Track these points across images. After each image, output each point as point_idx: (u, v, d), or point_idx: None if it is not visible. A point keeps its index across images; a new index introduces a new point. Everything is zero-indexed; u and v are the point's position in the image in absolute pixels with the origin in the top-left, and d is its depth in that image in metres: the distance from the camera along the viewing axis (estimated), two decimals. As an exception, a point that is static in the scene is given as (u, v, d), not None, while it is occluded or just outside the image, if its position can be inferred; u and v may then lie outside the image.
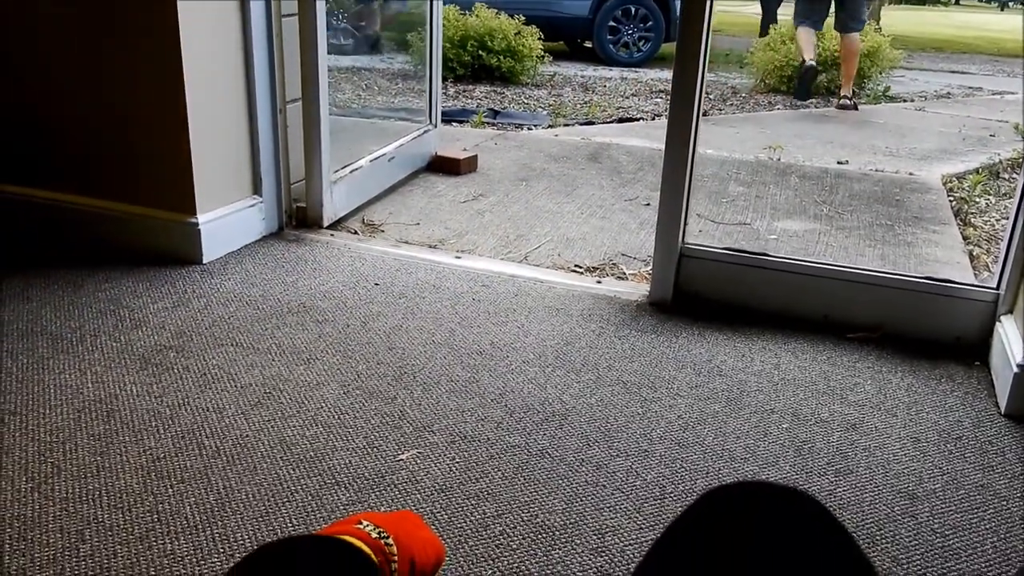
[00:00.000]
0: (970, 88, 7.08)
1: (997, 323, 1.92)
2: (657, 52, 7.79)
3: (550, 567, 1.25)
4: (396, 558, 0.84)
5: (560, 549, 1.28)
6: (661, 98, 5.83)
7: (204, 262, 2.25)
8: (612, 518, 1.36)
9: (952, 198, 3.41)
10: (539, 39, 6.26)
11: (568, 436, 1.57)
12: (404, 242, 2.54)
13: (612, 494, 1.41)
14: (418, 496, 1.39)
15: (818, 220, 3.00)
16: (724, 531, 0.60)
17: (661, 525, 1.34)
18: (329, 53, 2.42)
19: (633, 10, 7.65)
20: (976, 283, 2.04)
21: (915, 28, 12.10)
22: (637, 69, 7.45)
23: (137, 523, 1.29)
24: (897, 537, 1.35)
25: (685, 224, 2.12)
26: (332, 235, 2.52)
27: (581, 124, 4.78)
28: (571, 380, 1.77)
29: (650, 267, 2.25)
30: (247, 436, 1.52)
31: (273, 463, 1.45)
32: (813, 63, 5.68)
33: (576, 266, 2.43)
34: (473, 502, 1.38)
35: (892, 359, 1.93)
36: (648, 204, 3.05)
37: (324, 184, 2.51)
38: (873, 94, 6.12)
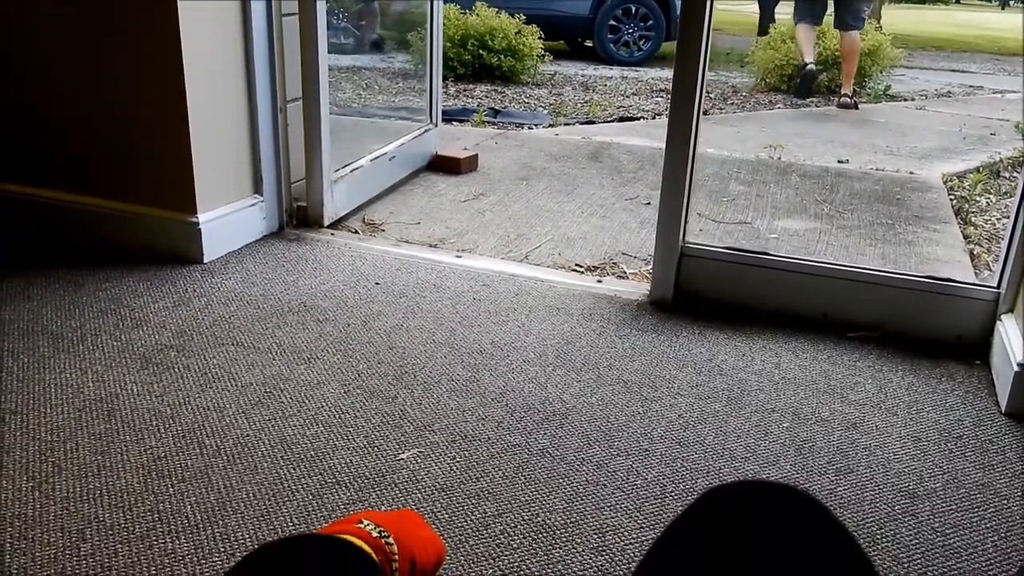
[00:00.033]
0: (971, 87, 7.07)
1: (998, 322, 1.92)
2: (657, 51, 7.79)
3: (551, 566, 1.25)
4: (397, 557, 0.84)
5: (561, 548, 1.28)
6: (662, 97, 5.83)
7: (205, 261, 2.25)
8: (613, 517, 1.36)
9: (953, 197, 3.40)
10: (539, 38, 6.26)
11: (569, 435, 1.57)
12: (405, 241, 2.54)
13: (613, 493, 1.41)
14: (419, 495, 1.39)
15: (819, 219, 3.00)
16: (725, 530, 0.60)
17: (662, 524, 1.34)
18: (329, 52, 2.42)
19: (633, 9, 7.65)
20: (977, 282, 2.04)
21: (916, 27, 12.09)
22: (637, 68, 7.45)
23: (138, 522, 1.29)
24: (898, 536, 1.35)
25: (686, 223, 2.12)
26: (333, 234, 2.52)
27: (582, 123, 4.78)
28: (572, 379, 1.77)
29: (651, 266, 2.25)
30: (248, 435, 1.52)
31: (274, 462, 1.45)
32: (812, 66, 5.69)
33: (577, 265, 2.43)
34: (474, 501, 1.38)
35: (893, 358, 1.93)
36: (649, 203, 3.05)
37: (325, 183, 2.51)
38: (874, 93, 6.11)
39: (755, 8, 9.32)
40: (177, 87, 2.09)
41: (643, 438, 1.57)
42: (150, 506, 1.33)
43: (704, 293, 2.15)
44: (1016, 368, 1.69)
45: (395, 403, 1.65)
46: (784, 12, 6.68)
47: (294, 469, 1.43)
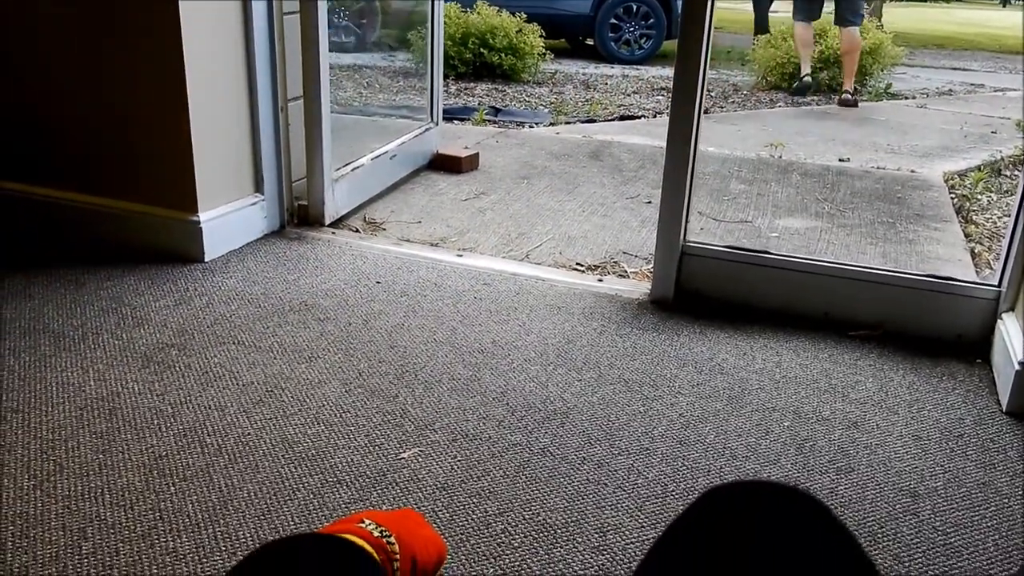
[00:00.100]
0: (972, 85, 7.07)
1: (999, 321, 1.92)
2: (659, 50, 7.79)
3: (552, 565, 1.25)
4: (398, 556, 0.84)
5: (562, 547, 1.28)
6: (662, 96, 5.83)
7: (206, 260, 2.25)
8: (614, 516, 1.36)
9: (954, 195, 3.40)
10: (540, 37, 6.26)
11: (570, 434, 1.57)
12: (406, 240, 2.54)
13: (614, 492, 1.41)
14: (420, 494, 1.39)
15: (819, 218, 3.00)
16: (725, 530, 0.60)
17: (663, 523, 1.34)
18: (331, 51, 2.42)
19: (635, 7, 7.65)
20: (978, 281, 2.04)
21: (917, 25, 12.08)
22: (638, 67, 7.44)
23: (139, 521, 1.29)
24: (899, 535, 1.35)
25: (686, 222, 2.12)
26: (334, 233, 2.52)
27: (582, 122, 4.78)
28: (572, 378, 1.77)
29: (651, 265, 2.25)
30: (249, 434, 1.52)
31: (275, 461, 1.45)
32: (808, 78, 5.79)
33: (577, 264, 2.43)
34: (475, 500, 1.38)
35: (894, 357, 1.93)
36: (649, 202, 3.05)
37: (326, 182, 2.51)
38: (875, 91, 6.11)
39: (757, 7, 9.30)
40: (178, 86, 2.09)
41: (644, 437, 1.57)
42: (151, 505, 1.33)
43: (705, 292, 2.15)
44: (1017, 367, 1.69)
45: (396, 402, 1.65)
46: (785, 11, 6.67)
47: (295, 468, 1.44)
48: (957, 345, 1.98)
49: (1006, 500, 1.45)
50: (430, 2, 3.14)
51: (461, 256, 2.42)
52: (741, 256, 2.12)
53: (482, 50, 6.05)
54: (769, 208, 3.10)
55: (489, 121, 4.62)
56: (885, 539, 1.34)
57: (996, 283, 1.95)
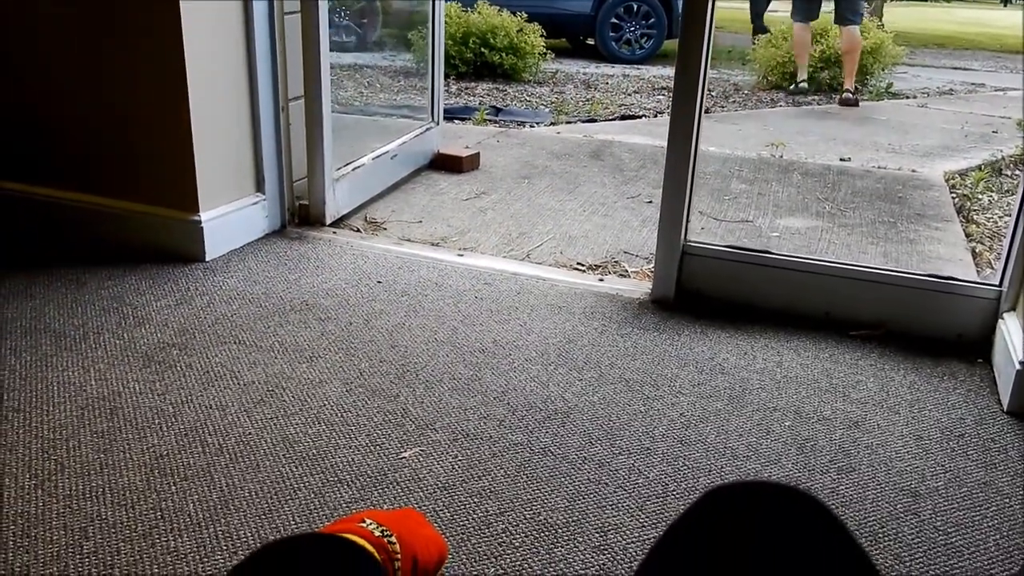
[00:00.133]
0: (973, 84, 7.06)
1: (1000, 320, 1.92)
2: (659, 49, 7.79)
3: (552, 565, 1.25)
4: (399, 556, 0.84)
5: (562, 547, 1.28)
6: (663, 95, 5.83)
7: (207, 260, 2.25)
8: (614, 516, 1.36)
9: (955, 195, 3.40)
10: (541, 36, 6.26)
11: (570, 434, 1.57)
12: (406, 240, 2.54)
13: (614, 492, 1.41)
14: (421, 494, 1.39)
15: (820, 217, 3.00)
16: (726, 530, 0.60)
17: (663, 523, 1.34)
18: (331, 50, 2.42)
19: (635, 7, 7.65)
20: (979, 280, 2.04)
21: (917, 24, 12.07)
22: (639, 66, 7.44)
23: (140, 520, 1.29)
24: (900, 535, 1.35)
25: (687, 222, 2.12)
26: (334, 233, 2.53)
27: (583, 121, 4.78)
28: (573, 378, 1.77)
29: (652, 265, 2.25)
30: (250, 434, 1.53)
31: (276, 461, 1.45)
32: (805, 84, 5.86)
33: (578, 264, 2.43)
34: (475, 500, 1.38)
35: (894, 356, 1.93)
36: (650, 202, 3.05)
37: (326, 182, 2.51)
38: (876, 90, 6.11)
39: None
40: (179, 86, 2.10)
41: (645, 437, 1.57)
42: (153, 504, 1.33)
43: (706, 292, 2.15)
44: (1018, 367, 1.69)
45: (397, 402, 1.65)
46: (783, 10, 6.68)
47: (296, 467, 1.44)
48: (958, 345, 1.98)
49: (1007, 500, 1.45)
50: (431, 1, 3.14)
51: (462, 256, 2.42)
52: (742, 256, 2.12)
53: (483, 49, 6.05)
54: (770, 208, 3.10)
55: (490, 121, 4.62)
56: (886, 539, 1.34)
57: (997, 283, 1.95)
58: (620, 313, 2.09)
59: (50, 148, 2.34)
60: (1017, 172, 3.87)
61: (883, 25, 7.05)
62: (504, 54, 6.04)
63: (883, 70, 6.25)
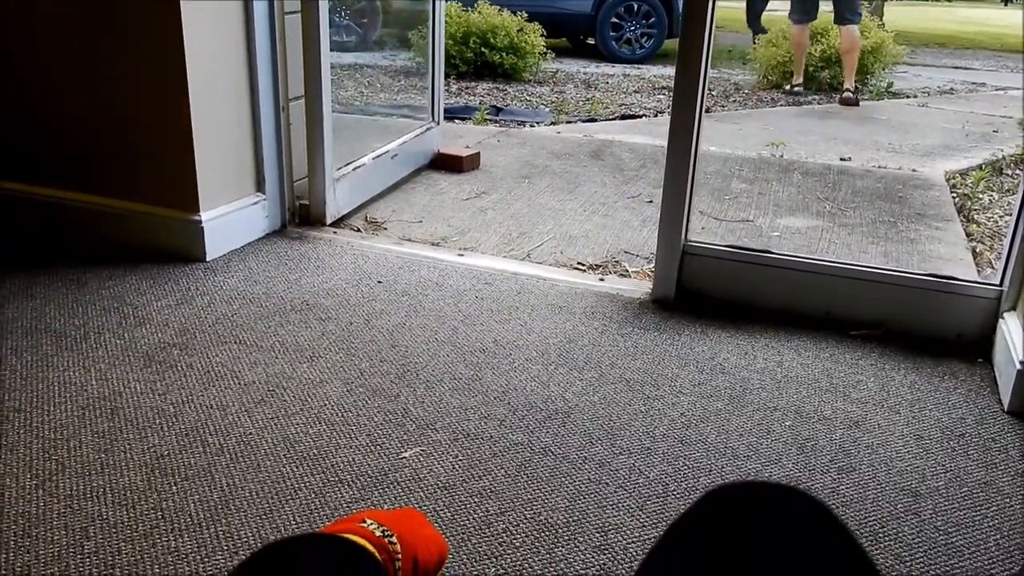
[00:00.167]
0: (973, 84, 7.06)
1: (1000, 320, 1.92)
2: (660, 49, 7.79)
3: (553, 565, 1.25)
4: (400, 556, 0.84)
5: (563, 547, 1.29)
6: (664, 95, 5.83)
7: (207, 260, 2.25)
8: (615, 516, 1.36)
9: (955, 194, 3.40)
10: (542, 36, 6.26)
11: (571, 434, 1.57)
12: (407, 240, 2.54)
13: (615, 492, 1.42)
14: (421, 494, 1.39)
15: (821, 217, 3.00)
16: (726, 530, 0.60)
17: (664, 523, 1.34)
18: (332, 50, 2.43)
19: (636, 7, 7.65)
20: (979, 280, 2.04)
21: (918, 24, 12.07)
22: (640, 66, 7.44)
23: (141, 520, 1.29)
24: (900, 534, 1.35)
25: (688, 221, 2.12)
26: (335, 232, 2.53)
27: (584, 121, 4.78)
28: (574, 378, 1.77)
29: (653, 264, 2.25)
30: (250, 434, 1.53)
31: (276, 461, 1.45)
32: (800, 88, 5.89)
33: (579, 263, 2.43)
34: (476, 500, 1.38)
35: (895, 356, 1.93)
36: (651, 201, 3.05)
37: (327, 181, 2.51)
38: (876, 90, 6.11)
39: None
40: (179, 86, 2.10)
41: (645, 436, 1.58)
42: (153, 504, 1.33)
43: (706, 291, 2.15)
44: (1019, 366, 1.69)
45: (397, 401, 1.65)
46: (781, 9, 6.68)
47: (297, 467, 1.44)
48: (958, 344, 1.98)
49: (1007, 500, 1.45)
50: (431, 1, 3.14)
51: (462, 255, 2.42)
52: (742, 255, 2.12)
53: (483, 49, 6.05)
54: (770, 207, 3.10)
55: (490, 120, 4.62)
56: (887, 539, 1.34)
57: (998, 282, 1.95)
58: (621, 313, 2.09)
59: (50, 148, 2.34)
60: (1018, 171, 3.87)
61: (884, 24, 7.05)
62: (504, 54, 6.04)
63: (884, 69, 6.25)
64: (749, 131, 4.59)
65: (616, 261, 2.46)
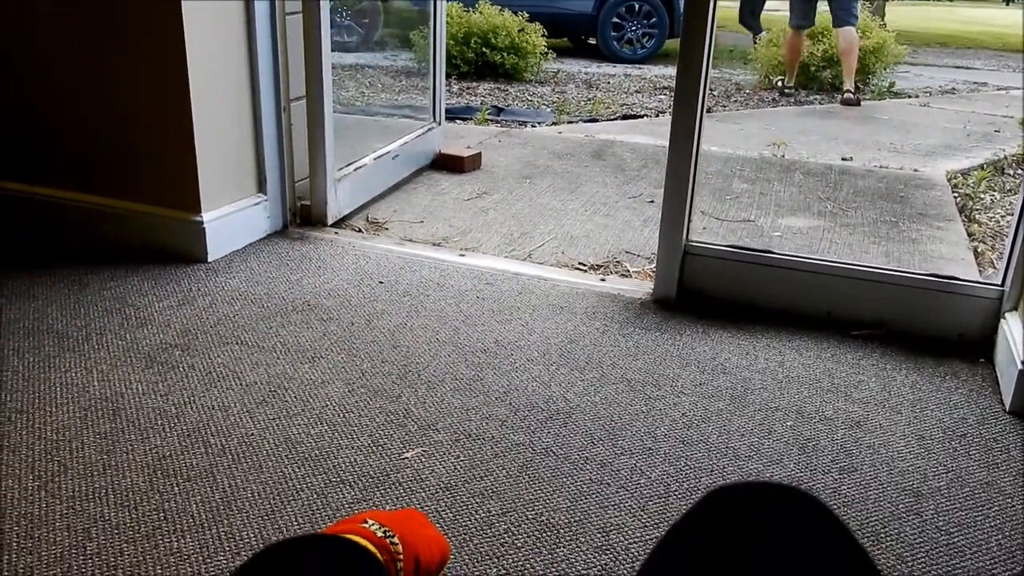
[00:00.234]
0: (975, 83, 7.06)
1: (1002, 320, 1.92)
2: (661, 49, 7.79)
3: (554, 565, 1.25)
4: (401, 557, 0.84)
5: (564, 547, 1.29)
6: (665, 95, 5.83)
7: (209, 260, 2.26)
8: (616, 516, 1.36)
9: (957, 194, 3.40)
10: (543, 36, 6.26)
11: (572, 434, 1.57)
12: (408, 240, 2.54)
13: (616, 492, 1.42)
14: (423, 494, 1.39)
15: (822, 217, 3.00)
16: (728, 530, 0.60)
17: (665, 523, 1.34)
18: (333, 50, 2.43)
19: (637, 7, 7.65)
20: (981, 280, 2.03)
21: (919, 23, 12.06)
22: (641, 66, 7.44)
23: (143, 521, 1.30)
24: (901, 534, 1.35)
25: (689, 221, 2.12)
26: (336, 233, 2.53)
27: (585, 121, 4.78)
28: (575, 378, 1.77)
29: (654, 265, 2.25)
30: (252, 434, 1.53)
31: (278, 461, 1.45)
32: (791, 88, 5.93)
33: (580, 264, 2.43)
34: (477, 500, 1.38)
35: (896, 356, 1.93)
36: (652, 201, 3.05)
37: (328, 182, 2.51)
38: (878, 90, 6.11)
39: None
40: (180, 86, 2.10)
41: (647, 437, 1.58)
42: (155, 505, 1.33)
43: (708, 291, 2.15)
44: (1020, 366, 1.69)
45: (399, 402, 1.65)
46: (780, 9, 6.68)
47: (299, 468, 1.44)
48: (960, 345, 1.98)
49: (1009, 500, 1.45)
50: (432, 1, 3.14)
51: (464, 256, 2.42)
52: (744, 255, 2.12)
53: (484, 49, 6.05)
54: (772, 207, 3.10)
55: (491, 120, 4.62)
56: (888, 539, 1.34)
57: (999, 283, 1.94)
58: (622, 313, 2.09)
59: (50, 148, 2.34)
60: (1019, 171, 3.87)
61: (885, 24, 7.05)
62: (506, 54, 6.04)
63: (885, 69, 6.25)
64: (750, 131, 4.59)
65: (617, 261, 2.46)
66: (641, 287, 2.25)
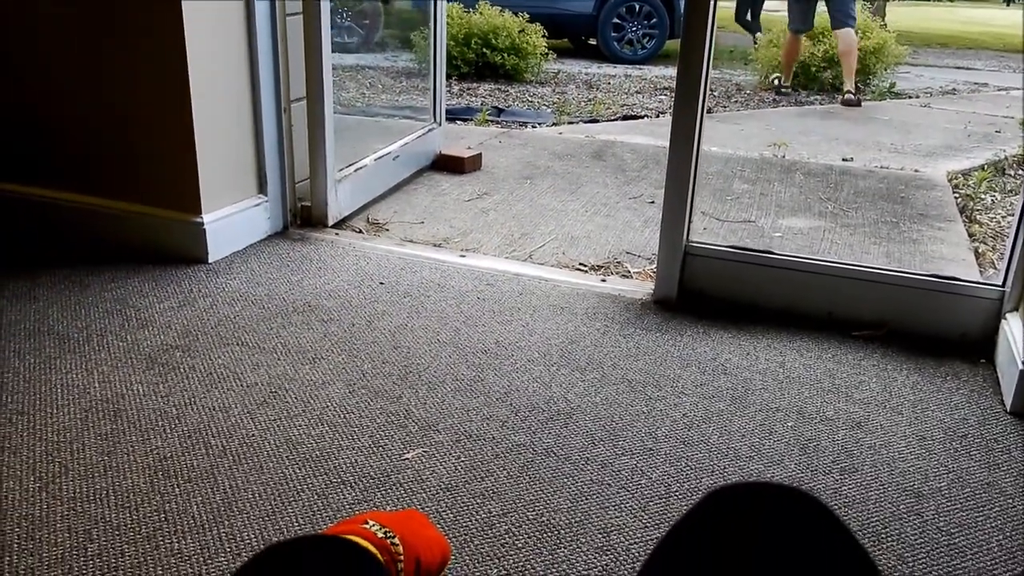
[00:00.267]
0: (975, 84, 7.06)
1: (1003, 321, 1.92)
2: (661, 49, 7.79)
3: (555, 566, 1.25)
4: (402, 557, 0.84)
5: (565, 548, 1.29)
6: (665, 95, 5.83)
7: (209, 261, 2.26)
8: (617, 517, 1.36)
9: (957, 195, 3.40)
10: (543, 36, 6.26)
11: (573, 435, 1.57)
12: (409, 241, 2.54)
13: (617, 493, 1.41)
14: (423, 495, 1.39)
15: (823, 217, 3.00)
16: (728, 531, 0.60)
17: (666, 524, 1.34)
18: (333, 51, 2.43)
19: (637, 7, 7.65)
20: (982, 281, 2.03)
21: (920, 24, 12.06)
22: (641, 66, 7.44)
23: (144, 522, 1.30)
24: (902, 535, 1.35)
25: (690, 222, 2.12)
26: (337, 234, 2.53)
27: (585, 122, 4.78)
28: (576, 379, 1.77)
29: (655, 265, 2.25)
30: (253, 435, 1.53)
31: (279, 462, 1.45)
32: (787, 88, 5.97)
33: (581, 264, 2.43)
34: (478, 501, 1.38)
35: (897, 357, 1.93)
36: (652, 202, 3.05)
37: (329, 183, 2.51)
38: (878, 90, 6.11)
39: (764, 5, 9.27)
40: (180, 87, 2.10)
41: (647, 437, 1.57)
42: (156, 506, 1.33)
43: (708, 292, 2.15)
44: (1021, 367, 1.69)
45: (400, 403, 1.65)
46: (778, 9, 6.69)
47: (299, 469, 1.44)
48: (961, 345, 1.98)
49: (1010, 500, 1.45)
50: (433, 2, 3.14)
51: (464, 257, 2.42)
52: (744, 256, 2.12)
53: (485, 50, 6.05)
54: (772, 208, 3.09)
55: (492, 121, 4.63)
56: (889, 539, 1.34)
57: (1000, 283, 1.94)
58: (622, 314, 2.09)
59: (50, 148, 2.34)
60: (1020, 172, 3.87)
61: (886, 25, 7.05)
62: (506, 55, 6.04)
63: (886, 70, 6.26)
64: (751, 132, 4.59)
65: (618, 262, 2.46)
66: (642, 288, 2.25)
